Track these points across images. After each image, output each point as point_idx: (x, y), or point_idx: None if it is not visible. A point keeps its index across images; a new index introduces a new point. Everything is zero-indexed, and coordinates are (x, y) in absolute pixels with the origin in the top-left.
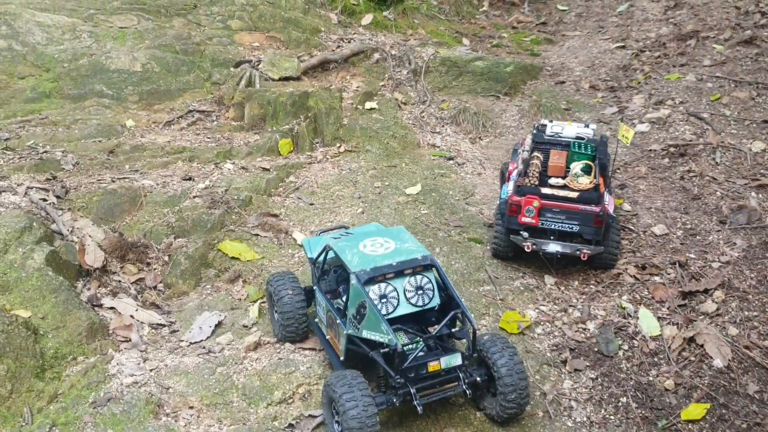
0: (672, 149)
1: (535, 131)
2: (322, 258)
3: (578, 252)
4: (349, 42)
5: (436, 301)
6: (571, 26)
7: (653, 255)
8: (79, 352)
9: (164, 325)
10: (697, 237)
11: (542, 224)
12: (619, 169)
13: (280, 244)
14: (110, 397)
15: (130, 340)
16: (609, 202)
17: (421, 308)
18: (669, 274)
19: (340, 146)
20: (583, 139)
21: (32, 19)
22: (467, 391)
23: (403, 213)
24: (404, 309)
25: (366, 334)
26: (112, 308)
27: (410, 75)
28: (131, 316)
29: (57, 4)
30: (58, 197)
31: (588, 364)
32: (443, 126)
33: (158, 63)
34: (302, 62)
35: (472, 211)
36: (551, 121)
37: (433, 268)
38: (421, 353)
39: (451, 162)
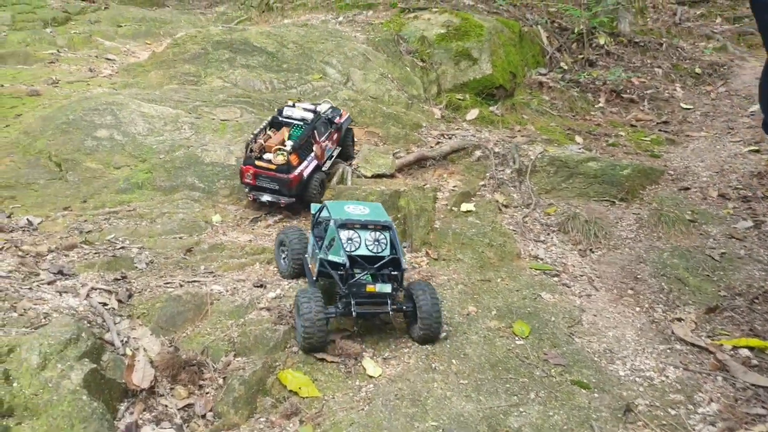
0: None
1: (276, 112)
2: (318, 213)
3: (278, 200)
4: (450, 138)
5: (386, 253)
6: (696, 126)
7: None
8: None
9: None
10: None
11: (258, 183)
12: (757, 298)
13: (348, 372)
14: None
15: None
16: (307, 166)
17: (375, 254)
18: None
19: (426, 253)
20: (304, 119)
21: (137, 110)
22: (390, 313)
23: (494, 343)
24: (363, 251)
25: (331, 257)
26: None
27: (514, 175)
28: None
29: (166, 95)
30: (119, 301)
31: None
32: (548, 234)
33: None
34: (398, 159)
35: (577, 344)
36: (292, 105)
37: (390, 231)
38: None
39: (555, 279)
